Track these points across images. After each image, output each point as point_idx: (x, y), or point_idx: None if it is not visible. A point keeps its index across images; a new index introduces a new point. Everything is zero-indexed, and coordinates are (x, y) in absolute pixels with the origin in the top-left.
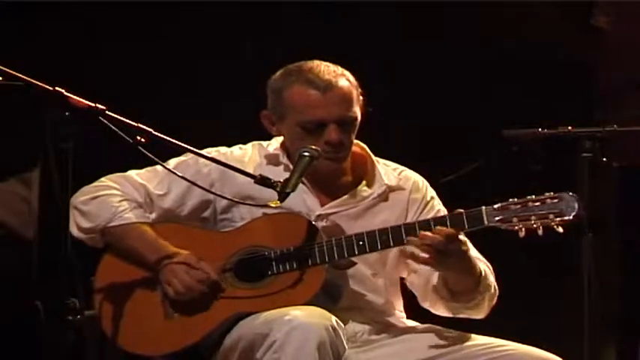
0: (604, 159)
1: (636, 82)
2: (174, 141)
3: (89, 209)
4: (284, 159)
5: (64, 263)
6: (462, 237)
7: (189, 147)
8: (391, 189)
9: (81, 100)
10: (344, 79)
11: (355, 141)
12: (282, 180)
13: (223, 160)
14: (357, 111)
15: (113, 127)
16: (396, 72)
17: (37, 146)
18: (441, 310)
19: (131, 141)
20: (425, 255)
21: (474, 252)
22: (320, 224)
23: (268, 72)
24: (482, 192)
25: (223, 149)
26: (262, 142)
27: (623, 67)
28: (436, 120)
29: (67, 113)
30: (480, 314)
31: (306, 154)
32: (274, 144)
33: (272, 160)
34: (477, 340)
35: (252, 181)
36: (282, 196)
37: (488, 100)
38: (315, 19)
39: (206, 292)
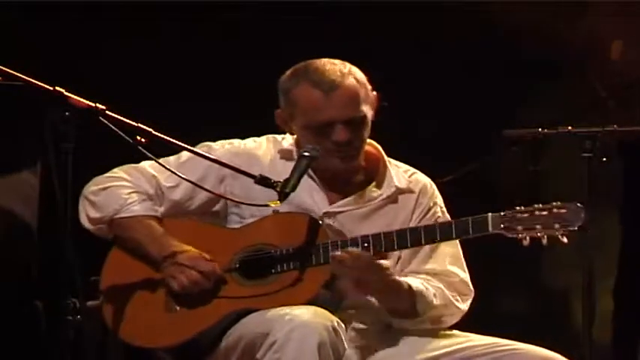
0: (604, 159)
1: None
2: (174, 141)
3: (98, 200)
4: (297, 155)
5: (64, 263)
6: (384, 262)
7: (188, 147)
8: (400, 191)
9: (81, 100)
10: (350, 78)
11: (369, 141)
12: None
13: (236, 152)
14: (365, 109)
15: (113, 127)
16: (395, 72)
17: (37, 145)
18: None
19: (131, 141)
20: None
21: (439, 262)
22: (327, 222)
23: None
24: (482, 192)
25: (237, 142)
26: (277, 136)
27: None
28: (436, 120)
29: (67, 113)
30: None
31: (306, 154)
32: (289, 139)
33: (285, 154)
34: (481, 339)
35: (260, 175)
36: (282, 196)
37: (488, 100)
38: (324, 19)
39: (210, 288)
